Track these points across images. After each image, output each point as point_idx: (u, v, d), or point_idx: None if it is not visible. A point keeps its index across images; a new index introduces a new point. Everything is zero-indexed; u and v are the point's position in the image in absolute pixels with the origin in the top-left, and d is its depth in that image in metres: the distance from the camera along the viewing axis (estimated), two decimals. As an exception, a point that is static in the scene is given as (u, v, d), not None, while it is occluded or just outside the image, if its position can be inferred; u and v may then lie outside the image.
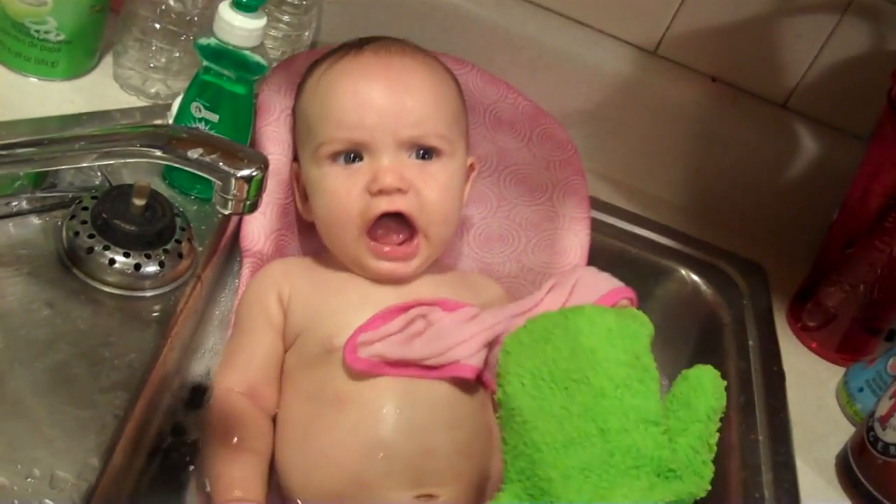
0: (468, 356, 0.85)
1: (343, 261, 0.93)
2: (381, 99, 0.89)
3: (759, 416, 1.00)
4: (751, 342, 1.10)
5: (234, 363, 0.90)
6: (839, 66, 1.18)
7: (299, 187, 0.96)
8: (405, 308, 0.87)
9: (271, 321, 0.91)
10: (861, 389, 1.05)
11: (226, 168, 0.69)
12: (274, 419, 0.88)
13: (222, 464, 0.83)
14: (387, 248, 0.90)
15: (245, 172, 0.69)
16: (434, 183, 0.90)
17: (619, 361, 0.66)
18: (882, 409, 0.95)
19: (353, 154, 0.90)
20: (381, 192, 0.88)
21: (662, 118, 1.20)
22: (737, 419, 0.99)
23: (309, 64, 0.98)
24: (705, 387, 0.68)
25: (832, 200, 1.16)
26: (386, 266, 0.91)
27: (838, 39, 1.16)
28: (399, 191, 0.88)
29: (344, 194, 0.89)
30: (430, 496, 0.83)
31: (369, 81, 0.90)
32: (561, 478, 0.61)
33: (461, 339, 0.85)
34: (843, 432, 1.02)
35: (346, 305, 0.90)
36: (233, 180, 0.69)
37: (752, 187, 1.24)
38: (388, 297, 0.89)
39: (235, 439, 0.84)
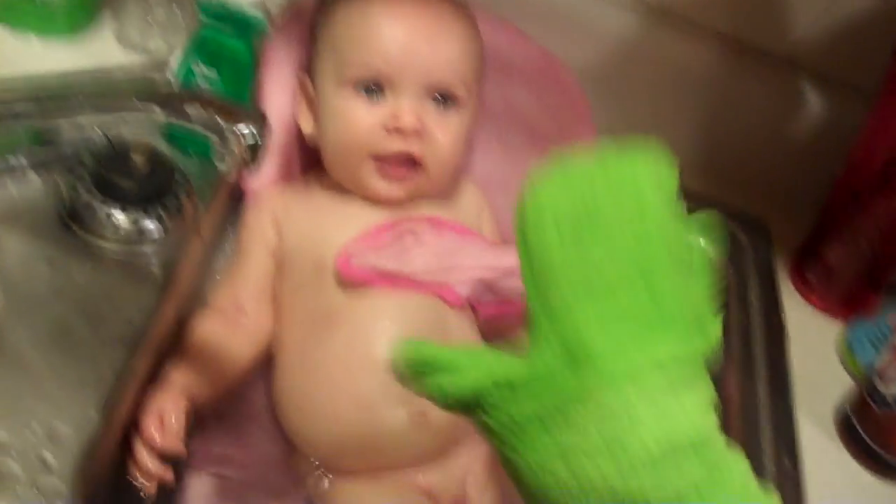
0: (459, 284, 0.88)
1: (339, 179, 0.94)
2: (418, 39, 0.90)
3: (759, 370, 1.00)
4: (752, 298, 1.10)
5: (227, 282, 0.92)
6: (846, 22, 1.17)
7: (305, 99, 0.96)
8: (395, 223, 0.89)
9: (266, 244, 0.93)
10: (862, 344, 1.05)
11: (224, 126, 0.69)
12: (265, 346, 0.90)
13: (174, 363, 0.84)
14: (392, 168, 0.91)
15: (243, 129, 0.69)
16: (448, 131, 0.92)
17: (663, 205, 0.59)
18: (882, 362, 0.95)
19: (376, 86, 0.90)
20: (399, 132, 0.89)
21: (667, 74, 1.19)
22: (737, 374, 1.00)
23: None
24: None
25: (837, 156, 1.15)
26: (383, 185, 0.92)
27: (844, -6, 1.15)
28: (416, 133, 0.89)
29: (360, 125, 0.90)
30: (423, 413, 0.84)
31: (410, 19, 0.91)
32: (599, 329, 0.55)
33: (455, 265, 0.88)
34: (843, 386, 1.02)
35: (336, 225, 0.91)
36: (231, 137, 0.69)
37: (757, 144, 1.23)
38: (377, 216, 0.91)
39: (196, 347, 0.85)
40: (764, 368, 1.00)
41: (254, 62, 0.95)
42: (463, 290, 0.88)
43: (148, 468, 0.77)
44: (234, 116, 0.69)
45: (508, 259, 0.88)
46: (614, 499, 0.54)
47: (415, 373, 0.60)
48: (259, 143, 0.70)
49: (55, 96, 0.74)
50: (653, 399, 0.54)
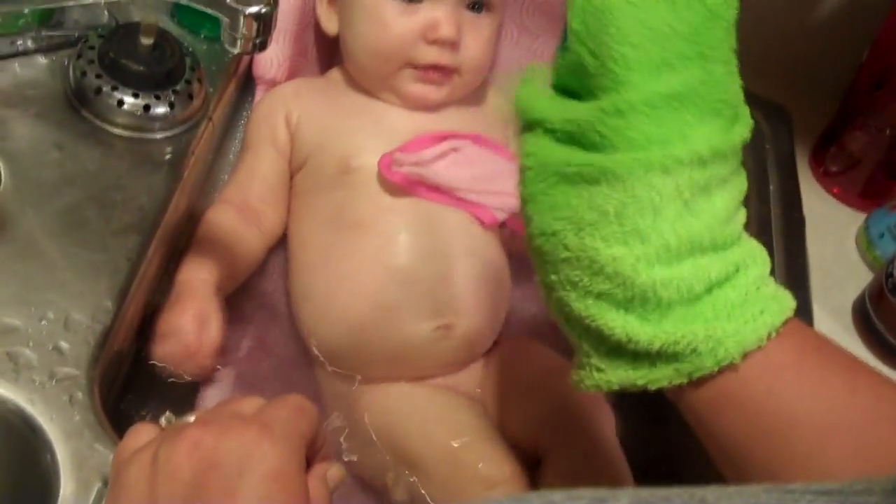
0: (498, 208, 0.87)
1: (366, 82, 0.92)
2: None
3: (777, 260, 0.99)
4: (772, 186, 1.08)
5: (235, 180, 0.90)
6: None
7: None
8: (440, 137, 0.87)
9: (276, 142, 0.91)
10: (882, 235, 1.04)
11: (234, 4, 0.66)
12: (272, 245, 0.90)
13: (190, 256, 0.83)
14: (429, 73, 0.89)
15: (254, 9, 0.66)
16: (481, 38, 0.90)
17: None
18: (902, 255, 0.94)
19: None
20: (436, 42, 0.87)
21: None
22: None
23: None
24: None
25: (862, 40, 1.12)
26: (420, 88, 0.90)
27: None
28: (453, 44, 0.88)
29: (395, 32, 0.88)
30: (448, 326, 0.84)
31: None
32: (643, 103, 0.52)
33: (496, 188, 0.86)
34: (861, 278, 1.02)
35: (363, 127, 0.89)
36: (241, 17, 0.66)
37: (779, 26, 1.20)
38: (406, 123, 0.90)
39: (210, 242, 0.84)
40: (782, 259, 0.99)
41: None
42: (500, 214, 0.87)
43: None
44: (242, -7, 0.67)
45: None
46: (622, 283, 0.53)
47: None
48: (269, 20, 0.67)
49: (60, -26, 0.71)
50: (684, 196, 0.52)
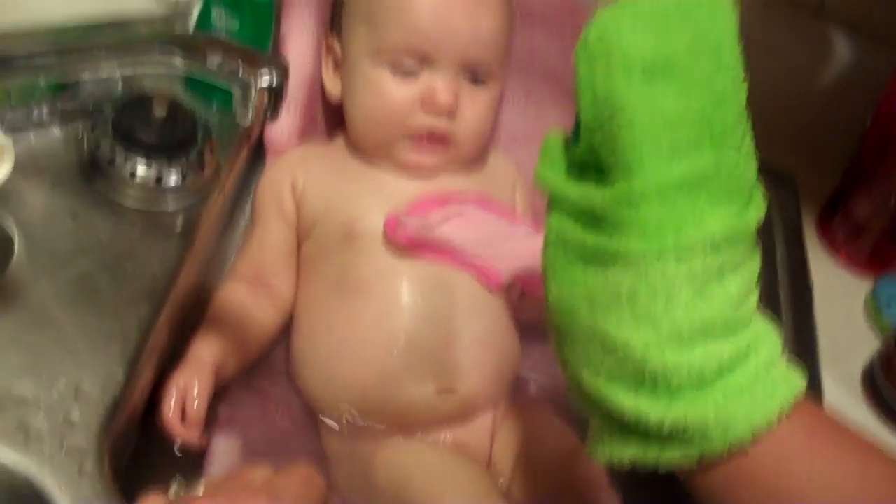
0: (504, 270, 0.87)
1: (366, 148, 0.93)
2: (459, 16, 0.88)
3: (785, 328, 0.99)
4: (778, 254, 1.09)
5: (246, 251, 0.91)
6: (876, -29, 1.14)
7: (332, 59, 0.95)
8: (445, 199, 0.88)
9: (283, 211, 0.91)
10: (890, 302, 1.04)
11: (245, 75, 0.67)
12: (287, 317, 0.89)
13: (201, 334, 0.83)
14: (424, 142, 0.90)
15: (265, 80, 0.67)
16: (480, 107, 0.91)
17: (739, 60, 0.56)
18: (911, 323, 0.94)
19: (413, 63, 0.88)
20: (434, 110, 0.88)
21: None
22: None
23: None
24: None
25: (865, 109, 1.14)
26: (414, 156, 0.91)
27: (876, -58, 1.12)
28: (449, 111, 0.89)
29: (393, 101, 0.89)
30: (450, 390, 0.83)
31: None
32: (656, 191, 0.53)
33: (501, 249, 0.87)
34: (870, 346, 1.01)
35: (366, 191, 0.90)
36: (252, 88, 0.68)
37: (784, 95, 1.21)
38: (410, 186, 0.91)
39: (223, 319, 0.85)
40: (790, 327, 0.99)
41: (274, 10, 0.94)
42: (506, 276, 0.87)
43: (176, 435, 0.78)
44: (255, 64, 0.68)
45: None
46: (633, 366, 0.53)
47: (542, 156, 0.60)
48: (280, 91, 0.69)
49: (76, 47, 0.72)
50: (697, 282, 0.53)
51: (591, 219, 0.55)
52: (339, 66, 0.94)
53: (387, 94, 0.89)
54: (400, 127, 0.90)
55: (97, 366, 0.71)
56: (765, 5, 1.17)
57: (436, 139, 0.90)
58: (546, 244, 0.58)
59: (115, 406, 0.70)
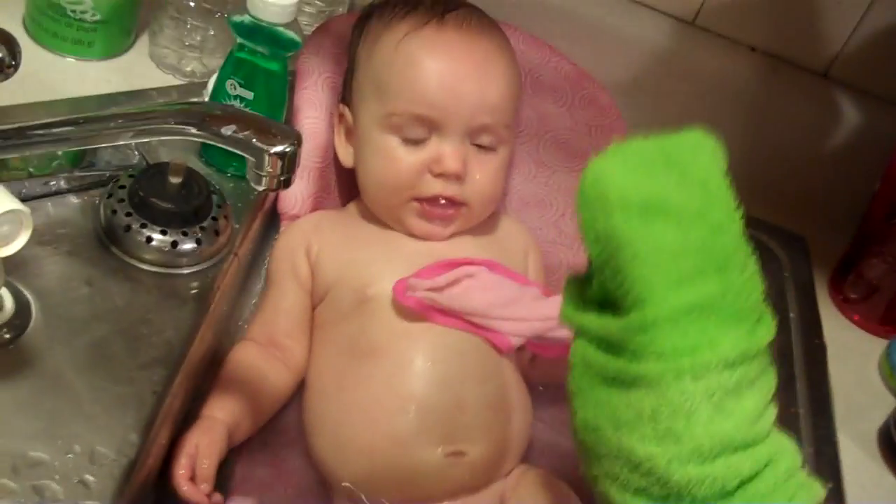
0: (514, 334, 0.87)
1: (378, 214, 0.94)
2: (464, 84, 0.89)
3: (800, 389, 0.99)
4: (791, 314, 1.09)
5: (260, 316, 0.92)
6: (880, 34, 1.16)
7: (343, 128, 0.97)
8: (455, 263, 0.89)
9: (298, 276, 0.92)
10: (904, 362, 1.04)
11: (259, 144, 0.69)
12: (301, 380, 0.90)
13: (213, 395, 0.84)
14: (436, 210, 0.91)
15: (278, 149, 0.69)
16: (489, 171, 0.92)
17: (728, 190, 0.60)
18: (925, 382, 0.94)
19: (420, 130, 0.90)
20: (442, 176, 0.90)
21: (701, 89, 1.19)
22: (777, 393, 0.98)
23: (365, 11, 0.98)
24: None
25: (874, 170, 1.14)
26: (424, 225, 0.92)
27: (879, 6, 1.13)
28: (458, 177, 0.90)
29: (402, 167, 0.91)
30: (460, 453, 0.83)
31: (454, 63, 0.90)
32: (667, 319, 0.55)
33: (510, 313, 0.87)
34: (885, 405, 1.01)
35: (379, 257, 0.91)
36: (266, 157, 0.69)
37: (793, 158, 1.22)
38: (421, 250, 0.92)
39: (236, 381, 0.85)
40: (804, 387, 0.99)
41: (288, 80, 0.95)
42: (516, 340, 0.88)
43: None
44: (268, 133, 0.69)
45: (553, 309, 0.88)
46: (657, 481, 0.56)
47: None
48: (293, 159, 0.70)
49: (93, 119, 0.74)
50: (715, 399, 0.55)
51: (611, 346, 0.58)
52: (350, 134, 0.96)
53: (396, 160, 0.91)
54: (409, 192, 0.91)
55: (112, 430, 0.72)
56: (772, 69, 1.18)
57: (446, 204, 0.91)
58: (571, 368, 0.61)
59: (130, 470, 0.70)
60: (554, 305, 0.87)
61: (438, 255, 0.91)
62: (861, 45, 1.17)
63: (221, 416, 0.82)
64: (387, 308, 0.87)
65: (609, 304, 0.60)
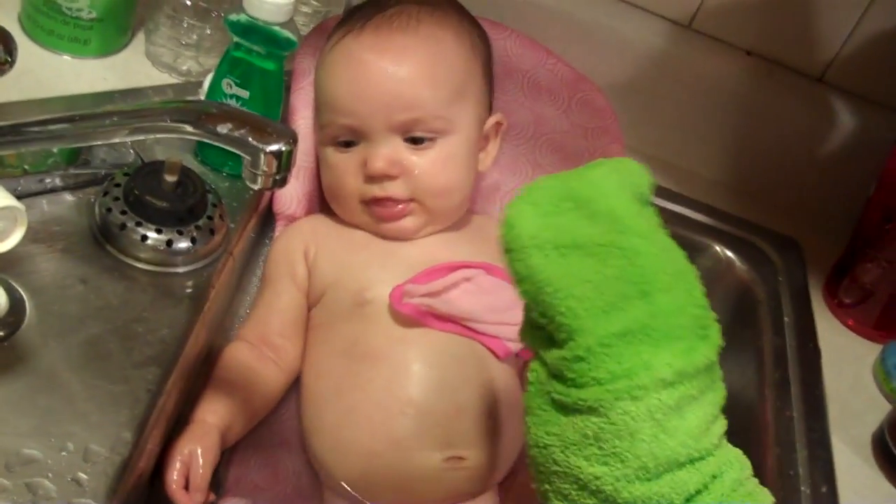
0: (512, 340, 0.88)
1: (344, 219, 0.95)
2: (372, 87, 0.89)
3: (794, 392, 0.99)
4: (786, 318, 1.09)
5: (254, 315, 0.92)
6: (876, 39, 1.16)
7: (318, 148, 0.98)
8: (452, 267, 0.89)
9: (295, 277, 0.92)
10: (898, 366, 1.04)
11: (255, 143, 0.68)
12: (296, 383, 0.90)
13: (206, 395, 0.85)
14: (378, 209, 0.92)
15: (274, 147, 0.68)
16: (429, 164, 0.91)
17: (639, 215, 0.61)
18: (919, 386, 0.94)
19: (349, 138, 0.91)
20: (372, 179, 0.90)
21: (697, 92, 1.19)
22: (772, 396, 0.99)
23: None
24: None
25: (869, 175, 1.15)
26: (386, 226, 0.93)
27: (875, 11, 1.14)
28: (388, 177, 0.90)
29: (341, 174, 0.92)
30: (459, 458, 0.83)
31: (362, 68, 0.90)
32: (599, 346, 0.57)
33: (508, 318, 0.87)
34: (879, 410, 1.01)
35: (375, 260, 0.92)
36: (262, 155, 0.69)
37: (788, 162, 1.22)
38: (418, 254, 0.92)
39: (227, 380, 0.86)
40: (798, 391, 0.99)
41: (284, 82, 0.95)
42: (514, 346, 0.88)
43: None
44: (263, 132, 0.69)
45: None
46: (605, 499, 0.58)
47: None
48: (288, 157, 0.70)
49: (87, 115, 0.74)
50: (656, 418, 0.56)
51: (555, 373, 0.60)
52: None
53: (336, 169, 0.93)
54: (354, 198, 0.92)
55: (106, 428, 0.71)
56: (767, 74, 1.18)
57: (391, 203, 0.91)
58: (527, 385, 0.63)
59: (124, 468, 0.70)
60: None
61: (434, 258, 0.91)
62: (857, 50, 1.17)
63: (214, 421, 0.82)
64: (384, 313, 0.87)
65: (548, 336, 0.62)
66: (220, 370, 0.87)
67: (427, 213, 0.93)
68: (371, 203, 0.91)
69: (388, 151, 0.90)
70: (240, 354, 0.88)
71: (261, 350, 0.89)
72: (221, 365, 0.87)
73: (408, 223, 0.92)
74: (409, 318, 0.86)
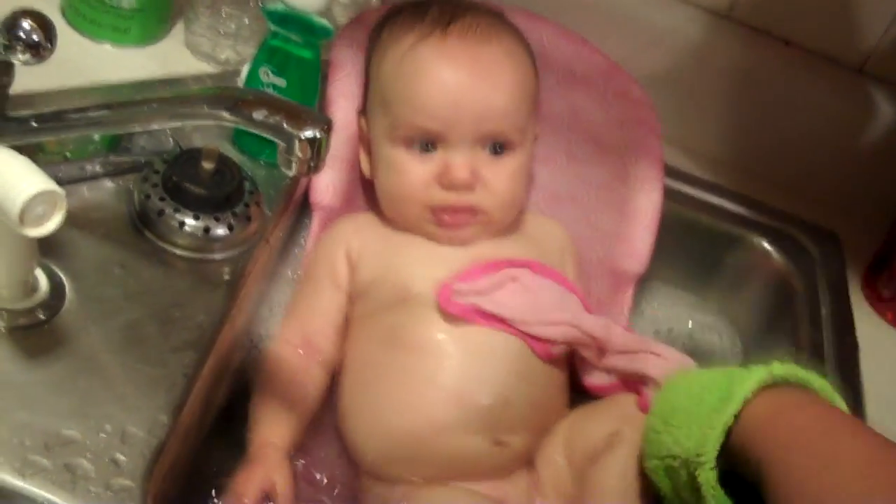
0: (554, 340, 0.88)
1: (398, 224, 0.95)
2: (466, 94, 0.89)
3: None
4: (823, 311, 1.08)
5: (295, 315, 0.92)
6: (917, 29, 1.15)
7: (364, 143, 0.97)
8: (498, 265, 0.89)
9: (336, 278, 0.92)
10: (937, 359, 1.03)
11: (289, 129, 0.69)
12: (335, 373, 0.91)
13: (261, 409, 0.86)
14: (447, 217, 0.91)
15: (308, 134, 0.69)
16: (504, 175, 0.92)
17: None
18: (957, 379, 0.93)
19: (428, 142, 0.90)
20: (451, 187, 0.90)
21: (735, 83, 1.18)
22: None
23: (382, 17, 0.98)
24: None
25: (910, 167, 1.14)
26: (445, 233, 0.92)
27: (916, 0, 1.13)
28: (468, 186, 0.90)
29: (413, 179, 0.91)
30: (504, 443, 0.85)
31: (456, 73, 0.90)
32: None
33: (552, 319, 0.88)
34: (917, 404, 1.00)
35: (419, 258, 0.92)
36: (296, 142, 0.69)
37: (828, 154, 1.21)
38: (461, 251, 0.92)
39: (279, 389, 0.86)
40: (836, 385, 0.97)
41: (320, 70, 0.96)
42: (556, 349, 0.88)
43: None
44: (298, 118, 0.70)
45: (603, 329, 0.89)
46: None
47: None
48: (322, 144, 0.70)
49: (129, 104, 0.75)
50: None
51: None
52: (367, 145, 0.96)
53: (405, 172, 0.91)
54: (421, 203, 0.91)
55: (143, 410, 0.73)
56: (806, 64, 1.17)
57: (459, 211, 0.91)
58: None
59: (160, 450, 0.71)
60: (594, 323, 0.89)
61: (478, 255, 0.91)
62: (896, 40, 1.16)
63: (281, 444, 0.84)
64: (429, 308, 0.87)
65: None
66: (269, 379, 0.88)
67: (489, 223, 0.93)
68: (440, 210, 0.91)
69: (471, 161, 0.90)
70: (287, 360, 0.89)
71: (306, 352, 0.89)
72: (270, 372, 0.88)
73: (467, 231, 0.92)
74: (455, 315, 0.86)
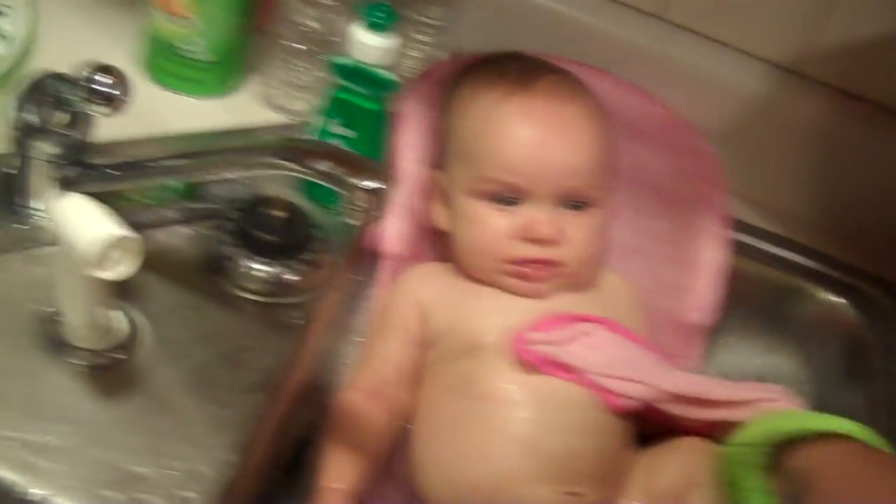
0: (627, 396, 0.88)
1: (474, 277, 0.96)
2: (551, 152, 0.91)
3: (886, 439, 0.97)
4: (876, 364, 1.07)
5: (366, 363, 0.93)
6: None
7: (439, 195, 0.98)
8: (571, 319, 0.90)
9: (407, 330, 0.94)
10: None
11: (350, 180, 0.72)
12: (406, 422, 0.92)
13: (329, 455, 0.87)
14: (530, 270, 0.92)
15: (368, 184, 0.71)
16: (585, 232, 0.93)
17: None
18: None
19: (511, 197, 0.92)
20: (535, 241, 0.91)
21: (798, 136, 1.18)
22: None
23: (456, 72, 1.00)
24: None
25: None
26: (521, 286, 0.93)
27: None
28: (553, 241, 0.91)
29: (496, 231, 0.92)
30: (577, 494, 0.85)
31: (542, 131, 0.92)
32: None
33: (626, 374, 0.88)
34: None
35: (490, 309, 0.92)
36: (357, 192, 0.72)
37: (879, 199, 1.20)
38: (530, 304, 0.92)
39: (347, 436, 0.88)
40: (891, 438, 0.97)
41: (387, 122, 0.98)
42: (629, 403, 0.88)
43: None
44: (358, 169, 0.72)
45: (676, 382, 0.89)
46: None
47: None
48: (383, 197, 0.73)
49: (195, 153, 0.78)
50: None
51: None
52: (444, 199, 0.98)
53: (487, 225, 0.93)
54: (502, 256, 0.92)
55: (213, 449, 0.75)
56: (877, 121, 1.16)
57: (543, 264, 0.92)
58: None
59: (228, 489, 0.73)
60: (670, 376, 0.89)
61: (550, 308, 0.92)
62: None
63: (347, 490, 0.85)
64: (501, 357, 0.88)
65: None
66: (338, 426, 0.89)
67: (569, 276, 0.94)
68: (521, 263, 0.92)
69: (555, 216, 0.92)
70: (356, 407, 0.90)
71: (375, 400, 0.91)
72: (339, 419, 0.89)
73: (547, 285, 0.93)
74: (529, 363, 0.87)
